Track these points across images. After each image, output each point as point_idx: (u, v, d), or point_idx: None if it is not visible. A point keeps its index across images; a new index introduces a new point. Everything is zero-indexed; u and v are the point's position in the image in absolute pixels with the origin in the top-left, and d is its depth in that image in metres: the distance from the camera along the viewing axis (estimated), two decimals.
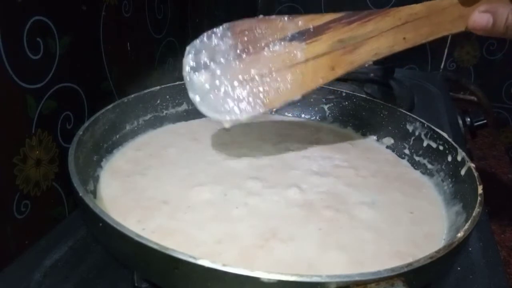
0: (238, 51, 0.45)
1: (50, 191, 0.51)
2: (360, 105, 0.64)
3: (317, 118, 0.67)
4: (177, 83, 0.62)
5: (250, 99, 0.44)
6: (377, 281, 0.30)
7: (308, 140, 0.61)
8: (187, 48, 0.46)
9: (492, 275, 0.46)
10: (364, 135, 0.64)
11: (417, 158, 0.56)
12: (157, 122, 0.60)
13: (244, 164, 0.53)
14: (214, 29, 0.45)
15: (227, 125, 0.44)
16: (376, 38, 0.44)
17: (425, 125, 0.56)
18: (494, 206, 0.59)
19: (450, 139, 0.52)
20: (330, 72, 0.44)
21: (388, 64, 1.03)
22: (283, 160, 0.55)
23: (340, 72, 0.44)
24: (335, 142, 0.61)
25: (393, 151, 0.60)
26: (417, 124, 0.57)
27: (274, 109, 0.45)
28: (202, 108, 0.44)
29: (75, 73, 0.53)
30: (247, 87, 0.44)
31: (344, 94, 0.66)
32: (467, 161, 0.47)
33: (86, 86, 0.55)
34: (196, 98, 0.44)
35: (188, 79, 0.45)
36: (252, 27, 0.45)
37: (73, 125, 0.53)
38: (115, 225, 0.33)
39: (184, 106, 0.63)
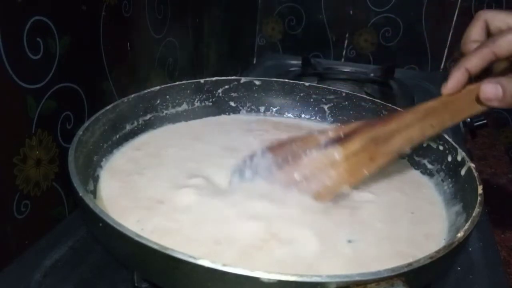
0: (279, 163, 0.48)
1: (50, 191, 0.51)
2: (360, 105, 0.64)
3: (317, 118, 0.67)
4: (177, 83, 0.62)
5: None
6: (377, 281, 0.30)
7: None
8: (231, 169, 0.50)
9: (492, 275, 0.46)
10: None
11: (417, 158, 0.56)
12: (157, 122, 0.60)
13: None
14: (255, 152, 0.49)
15: None
16: (404, 131, 0.46)
17: None
18: (494, 206, 0.59)
19: (450, 139, 0.52)
20: (371, 164, 0.46)
21: (388, 64, 1.04)
22: None
23: (380, 161, 0.46)
24: None
25: None
26: None
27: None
28: None
29: (75, 73, 0.53)
30: (294, 189, 0.46)
31: (344, 94, 0.66)
32: (467, 161, 0.47)
33: (86, 86, 0.55)
34: None
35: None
36: (287, 144, 0.49)
37: (73, 125, 0.53)
38: (115, 225, 0.33)
39: (184, 106, 0.63)
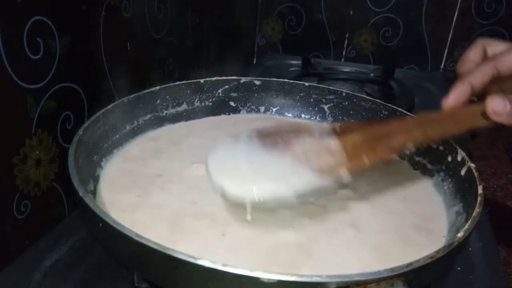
0: (267, 145, 0.42)
1: (50, 191, 0.51)
2: (360, 105, 0.64)
3: (317, 118, 0.67)
4: (177, 83, 0.62)
5: (289, 172, 0.39)
6: (377, 281, 0.30)
7: None
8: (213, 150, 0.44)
9: (492, 275, 0.46)
10: None
11: (417, 158, 0.56)
12: (157, 122, 0.60)
13: None
14: (239, 135, 0.44)
15: (249, 217, 0.40)
16: (406, 132, 0.43)
17: None
18: (494, 206, 0.59)
19: (450, 139, 0.52)
20: (373, 154, 0.41)
21: (388, 64, 1.04)
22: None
23: (382, 154, 0.42)
24: None
25: None
26: None
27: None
28: (233, 187, 0.40)
29: (75, 73, 0.53)
30: (284, 165, 0.40)
31: (344, 94, 0.66)
32: (467, 161, 0.47)
33: (86, 86, 0.55)
34: (225, 181, 0.40)
35: (212, 168, 0.41)
36: (278, 130, 0.44)
37: (73, 125, 0.53)
38: (115, 225, 0.33)
39: (184, 106, 0.63)
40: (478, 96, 0.43)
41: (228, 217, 0.43)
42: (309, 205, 0.46)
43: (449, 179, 0.50)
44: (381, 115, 0.62)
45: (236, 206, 0.44)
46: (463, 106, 0.43)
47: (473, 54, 0.45)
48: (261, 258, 0.38)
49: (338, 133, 0.42)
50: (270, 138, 0.43)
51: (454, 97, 0.43)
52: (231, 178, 0.40)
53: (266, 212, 0.43)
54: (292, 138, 0.42)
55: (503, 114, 0.40)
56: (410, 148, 0.43)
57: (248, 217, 0.39)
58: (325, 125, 0.44)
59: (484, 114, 0.41)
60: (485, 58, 0.45)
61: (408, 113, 0.59)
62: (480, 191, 0.41)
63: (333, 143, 0.41)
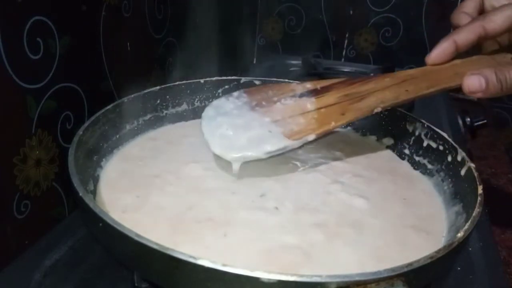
0: (252, 105, 0.50)
1: (50, 191, 0.51)
2: None
3: None
4: (177, 83, 0.62)
5: (265, 137, 0.46)
6: (377, 281, 0.30)
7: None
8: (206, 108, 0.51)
9: (492, 275, 0.46)
10: (364, 135, 0.64)
11: (417, 158, 0.56)
12: (157, 122, 0.60)
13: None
14: (231, 94, 0.52)
15: (235, 167, 0.47)
16: (380, 92, 0.48)
17: (425, 125, 0.56)
18: (494, 206, 0.59)
19: (450, 139, 0.52)
20: (341, 117, 0.47)
21: (388, 64, 1.03)
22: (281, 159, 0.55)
23: (350, 116, 0.47)
24: (334, 142, 0.61)
25: (393, 151, 0.60)
26: (417, 124, 0.57)
27: (289, 147, 0.47)
28: (216, 149, 0.47)
29: (75, 73, 0.53)
30: (261, 129, 0.47)
31: None
32: (467, 161, 0.47)
33: (86, 86, 0.55)
34: (212, 141, 0.47)
35: (205, 126, 0.49)
36: (264, 90, 0.52)
37: (73, 125, 0.53)
38: (115, 225, 0.33)
39: (184, 106, 0.63)
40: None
41: (228, 217, 0.43)
42: (309, 207, 0.46)
43: (449, 179, 0.50)
44: (381, 115, 0.62)
45: (236, 208, 0.44)
46: (443, 66, 0.43)
47: (468, 5, 0.44)
48: (262, 259, 0.38)
49: (318, 92, 0.49)
50: (257, 97, 0.51)
51: (437, 53, 0.43)
52: (214, 138, 0.47)
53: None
54: (275, 98, 0.50)
55: (479, 92, 0.41)
56: (378, 111, 0.48)
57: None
58: (308, 85, 0.51)
59: (459, 76, 0.42)
60: (479, 13, 0.44)
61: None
62: (480, 191, 0.41)
63: (310, 103, 0.48)
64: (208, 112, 0.50)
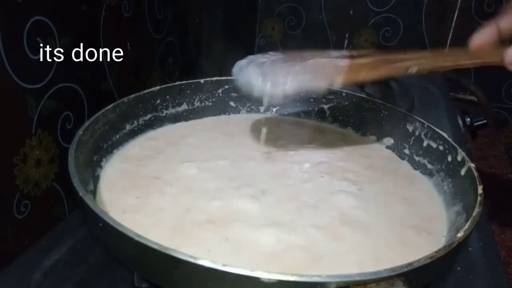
0: (286, 60, 0.49)
1: (50, 191, 0.51)
2: (360, 105, 0.64)
3: (317, 118, 0.67)
4: (177, 83, 0.62)
5: (298, 77, 0.46)
6: (377, 281, 0.30)
7: (308, 140, 0.61)
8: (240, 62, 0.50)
9: (492, 275, 0.46)
10: (364, 135, 0.64)
11: (417, 158, 0.56)
12: (157, 122, 0.60)
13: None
14: (268, 52, 0.51)
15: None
16: (417, 60, 0.46)
17: (425, 125, 0.56)
18: (494, 206, 0.59)
19: (450, 139, 0.52)
20: (373, 71, 0.46)
21: None
22: (280, 159, 0.55)
23: (382, 71, 0.46)
24: (335, 142, 0.61)
25: (393, 151, 0.60)
26: (417, 124, 0.57)
27: (319, 88, 0.48)
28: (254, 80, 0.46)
29: (75, 73, 0.53)
30: (293, 73, 0.46)
31: (344, 94, 0.66)
32: (467, 161, 0.47)
33: (86, 86, 0.55)
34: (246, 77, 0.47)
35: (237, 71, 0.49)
36: (300, 52, 0.50)
37: (73, 125, 0.53)
38: (115, 225, 0.33)
39: (184, 106, 0.63)
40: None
41: (228, 218, 0.43)
42: (310, 207, 0.46)
43: (449, 179, 0.50)
44: (381, 115, 0.62)
45: (235, 209, 0.44)
46: (484, 50, 0.42)
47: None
48: (265, 260, 0.38)
49: (353, 57, 0.48)
50: (291, 55, 0.50)
51: (479, 36, 0.42)
52: (248, 76, 0.47)
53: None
54: (309, 57, 0.49)
55: None
56: (412, 72, 0.45)
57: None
58: (344, 52, 0.50)
59: (499, 53, 0.41)
60: None
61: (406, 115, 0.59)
62: (480, 191, 0.41)
63: (343, 62, 0.47)
64: (241, 62, 0.50)
